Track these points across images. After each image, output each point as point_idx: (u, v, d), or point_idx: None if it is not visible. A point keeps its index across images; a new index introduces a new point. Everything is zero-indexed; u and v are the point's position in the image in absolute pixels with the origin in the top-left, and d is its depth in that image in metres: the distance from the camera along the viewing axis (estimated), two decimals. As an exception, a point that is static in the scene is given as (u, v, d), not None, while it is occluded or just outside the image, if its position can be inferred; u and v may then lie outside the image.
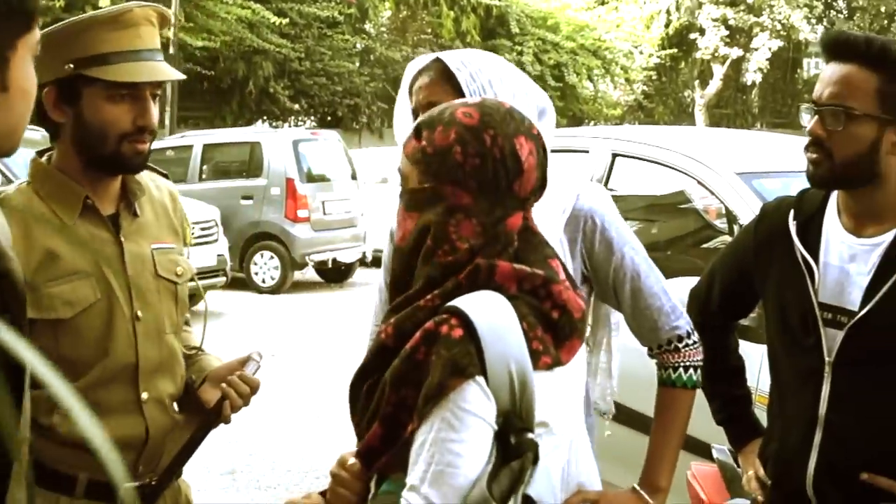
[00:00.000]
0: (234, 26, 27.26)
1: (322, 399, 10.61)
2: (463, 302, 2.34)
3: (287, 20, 28.75)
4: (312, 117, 33.20)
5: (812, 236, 3.27)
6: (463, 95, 3.10)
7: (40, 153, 3.20)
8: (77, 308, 3.01)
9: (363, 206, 19.63)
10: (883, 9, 43.99)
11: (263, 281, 18.40)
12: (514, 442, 2.32)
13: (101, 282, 3.06)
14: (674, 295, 3.36)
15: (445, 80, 3.20)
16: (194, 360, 3.43)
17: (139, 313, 3.13)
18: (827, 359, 3.17)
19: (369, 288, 19.06)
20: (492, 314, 2.34)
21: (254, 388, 3.30)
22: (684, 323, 3.35)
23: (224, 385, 3.25)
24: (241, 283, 18.11)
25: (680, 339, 3.33)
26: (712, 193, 5.89)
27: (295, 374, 11.69)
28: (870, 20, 43.45)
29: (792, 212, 3.34)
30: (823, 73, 3.17)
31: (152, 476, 3.21)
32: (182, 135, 20.97)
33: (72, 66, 2.96)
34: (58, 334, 2.99)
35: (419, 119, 2.57)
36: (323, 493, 2.66)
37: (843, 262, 3.21)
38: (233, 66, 29.18)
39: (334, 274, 19.64)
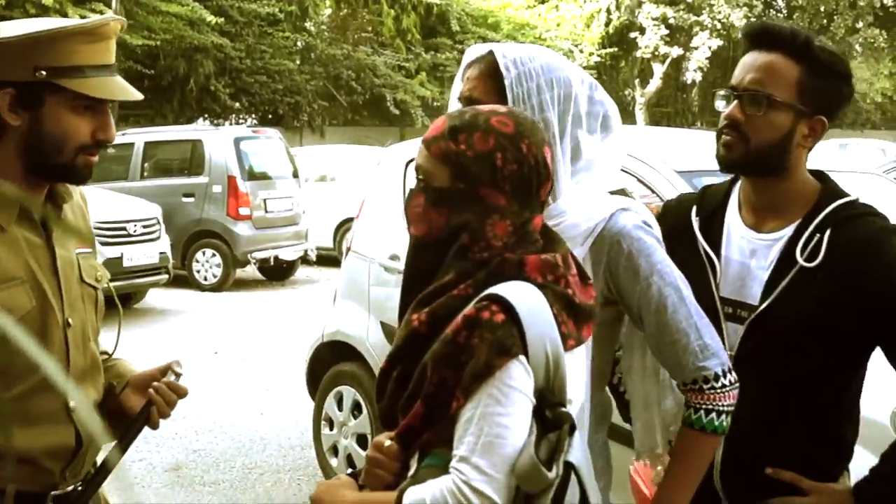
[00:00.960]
0: (175, 24, 27.14)
1: (264, 396, 10.63)
2: (501, 290, 2.52)
3: (226, 19, 28.64)
4: (253, 115, 33.12)
5: (714, 231, 3.34)
6: (504, 93, 3.10)
7: None
8: (15, 316, 2.89)
9: (305, 204, 19.60)
10: (822, 8, 44.38)
11: (205, 279, 18.32)
12: (551, 415, 2.51)
13: (36, 288, 2.98)
14: (707, 333, 3.10)
15: (490, 77, 3.13)
16: (109, 366, 3.36)
17: (70, 320, 3.07)
18: (728, 353, 3.18)
19: (312, 286, 19.11)
20: (528, 300, 2.52)
21: (181, 396, 3.28)
22: (715, 364, 3.07)
23: (152, 392, 3.22)
24: (183, 280, 18.03)
25: (706, 380, 3.07)
26: (653, 192, 5.96)
27: (237, 371, 11.69)
28: (809, 19, 43.81)
29: (694, 207, 3.40)
30: (745, 60, 3.23)
31: (77, 482, 3.14)
32: (123, 133, 20.80)
33: (43, 73, 2.86)
34: None
35: (452, 123, 2.68)
36: (352, 475, 2.81)
37: (744, 257, 3.28)
38: (173, 64, 29.06)
39: (276, 272, 19.59)
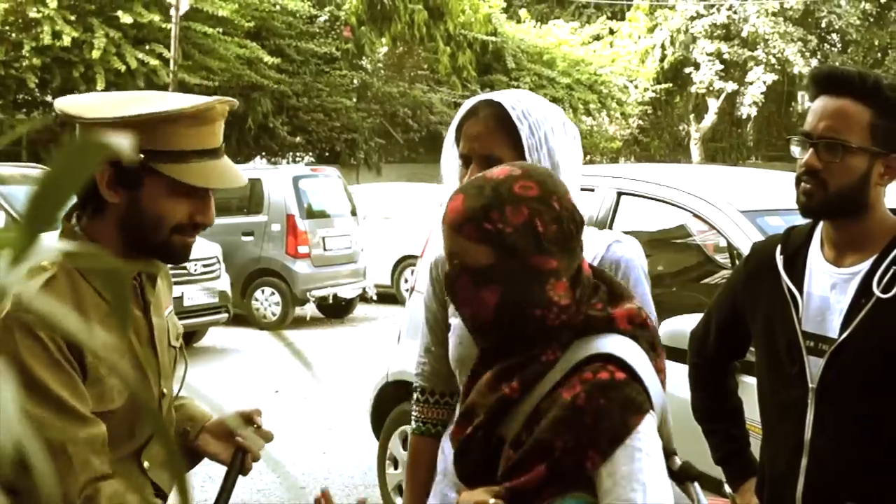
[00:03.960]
0: (233, 63, 27.37)
1: (326, 435, 10.66)
2: (608, 348, 2.55)
3: (283, 58, 28.86)
4: (310, 153, 33.26)
5: (798, 269, 3.39)
6: (519, 145, 3.13)
7: (67, 217, 2.99)
8: (124, 396, 2.87)
9: (363, 242, 19.69)
10: (876, 42, 44.17)
11: (265, 317, 18.42)
12: (677, 467, 2.64)
13: (136, 364, 2.92)
14: None
15: (501, 129, 3.15)
16: (177, 405, 3.31)
17: (164, 391, 3.07)
18: (810, 386, 3.28)
19: (370, 323, 19.04)
20: (635, 356, 2.56)
21: (268, 441, 3.30)
22: None
23: (241, 440, 3.23)
24: (243, 318, 18.12)
25: None
26: (718, 232, 5.98)
27: (299, 410, 11.73)
28: (863, 54, 43.63)
29: (779, 247, 3.47)
30: (816, 107, 3.28)
31: None
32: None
33: (143, 156, 2.77)
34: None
35: (478, 203, 2.58)
36: None
37: (825, 291, 3.32)
38: (231, 103, 29.26)
39: (335, 310, 19.61)
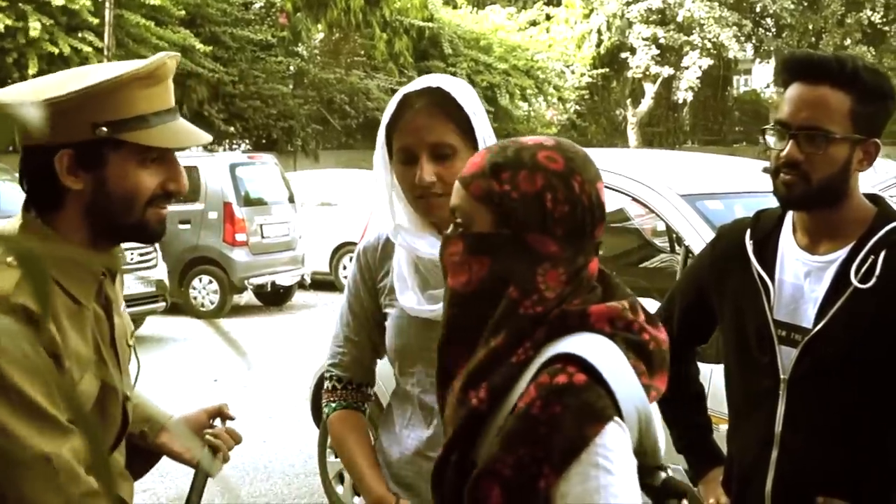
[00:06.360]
0: (167, 50, 27.11)
1: (267, 424, 10.58)
2: (570, 347, 2.24)
3: (218, 45, 28.63)
4: (247, 140, 33.03)
5: (768, 255, 3.31)
6: (466, 128, 3.04)
7: (26, 208, 2.74)
8: (90, 403, 2.69)
9: (301, 229, 19.62)
10: (811, 26, 44.43)
11: (202, 305, 18.30)
12: (660, 483, 2.30)
13: (100, 367, 2.75)
14: None
15: (443, 113, 3.05)
16: (132, 407, 3.10)
17: (127, 393, 2.89)
18: (782, 376, 3.20)
19: (309, 311, 18.92)
20: (604, 354, 2.24)
21: (237, 442, 3.24)
22: None
23: (211, 439, 3.16)
24: (180, 307, 17.95)
25: None
26: (658, 216, 5.97)
27: (238, 399, 11.62)
28: (798, 38, 43.86)
29: (749, 231, 3.38)
30: (792, 95, 3.17)
31: None
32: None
33: (105, 129, 2.58)
34: None
35: (494, 159, 2.36)
36: None
37: (798, 279, 3.25)
38: (166, 90, 29.00)
39: (273, 297, 19.57)
